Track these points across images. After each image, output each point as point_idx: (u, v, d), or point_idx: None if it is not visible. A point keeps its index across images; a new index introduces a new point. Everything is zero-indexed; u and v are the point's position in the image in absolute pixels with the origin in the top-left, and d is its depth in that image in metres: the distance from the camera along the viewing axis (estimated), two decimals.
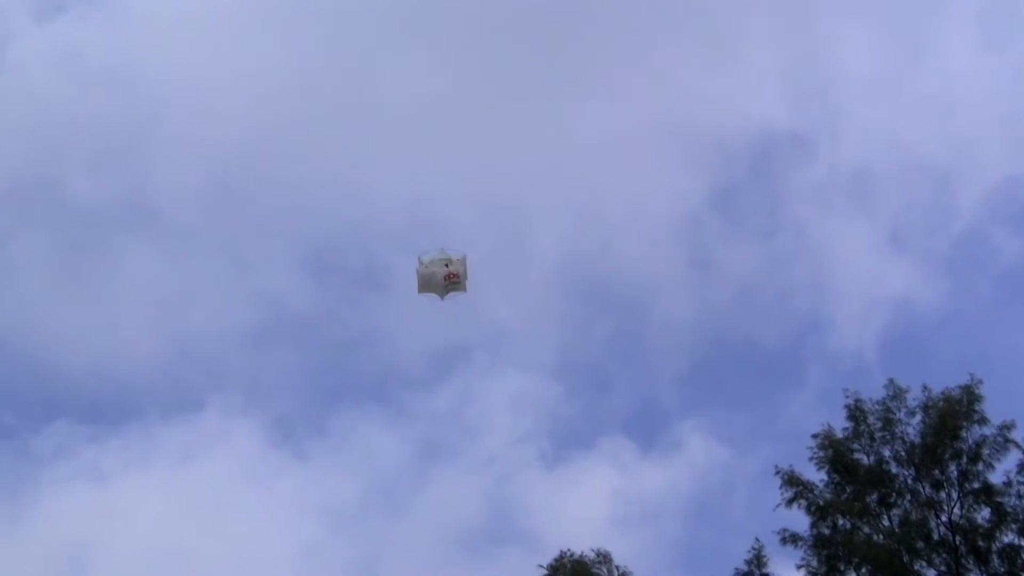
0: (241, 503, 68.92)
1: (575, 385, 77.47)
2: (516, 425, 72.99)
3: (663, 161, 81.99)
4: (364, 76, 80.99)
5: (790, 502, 39.30)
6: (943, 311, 75.92)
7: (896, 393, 40.03)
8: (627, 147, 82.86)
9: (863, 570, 37.58)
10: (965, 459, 38.50)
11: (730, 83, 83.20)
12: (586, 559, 41.05)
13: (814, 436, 40.15)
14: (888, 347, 71.43)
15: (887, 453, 39.53)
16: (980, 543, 37.45)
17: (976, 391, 39.02)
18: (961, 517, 38.07)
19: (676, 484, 68.19)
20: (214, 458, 70.60)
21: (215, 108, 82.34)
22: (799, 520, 39.09)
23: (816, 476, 39.67)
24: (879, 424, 39.77)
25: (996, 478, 38.15)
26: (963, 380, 39.35)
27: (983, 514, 38.04)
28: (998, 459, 38.26)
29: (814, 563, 38.25)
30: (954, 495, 38.35)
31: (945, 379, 39.88)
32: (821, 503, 39.01)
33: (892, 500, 38.88)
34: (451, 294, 35.20)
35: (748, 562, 39.11)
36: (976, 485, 38.24)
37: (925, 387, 39.90)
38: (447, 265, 34.64)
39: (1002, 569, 37.16)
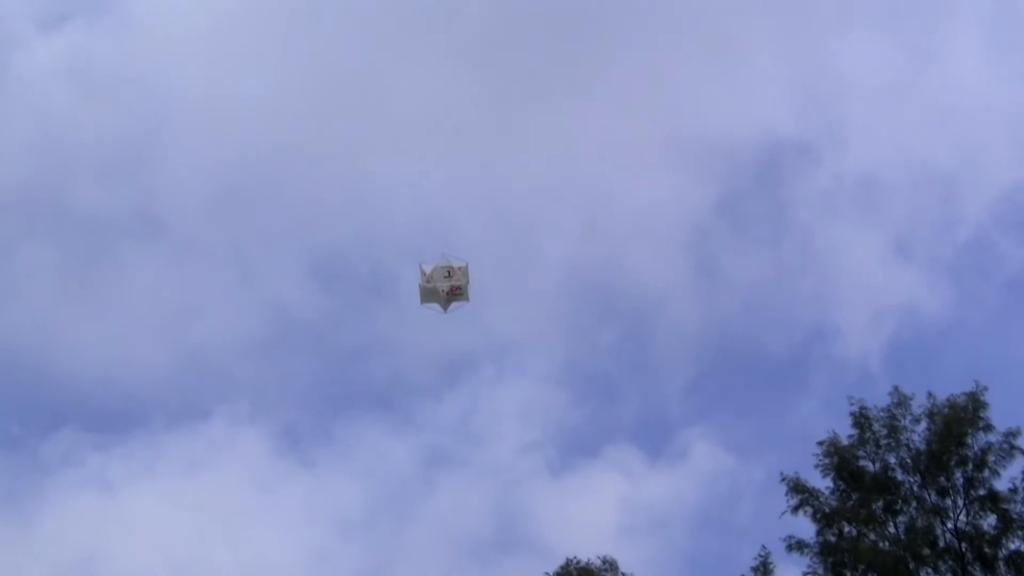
0: (248, 511, 69.00)
1: (582, 393, 77.43)
2: (523, 433, 73.00)
3: (670, 169, 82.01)
4: (371, 86, 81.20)
5: (796, 509, 39.39)
6: (949, 319, 75.80)
7: (901, 400, 40.11)
8: (633, 155, 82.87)
9: None
10: (971, 466, 38.53)
11: (736, 91, 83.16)
12: (592, 566, 41.09)
13: (819, 443, 40.26)
14: (894, 355, 71.36)
15: (893, 460, 39.58)
16: (986, 550, 37.46)
17: (981, 398, 39.11)
18: (967, 524, 38.09)
19: (683, 492, 68.18)
20: (221, 466, 70.69)
21: (221, 117, 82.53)
22: (805, 527, 39.22)
23: (822, 483, 39.81)
24: (884, 431, 39.84)
25: (1002, 485, 38.26)
26: (969, 387, 39.54)
27: (989, 521, 38.08)
28: (1004, 466, 38.35)
29: (820, 570, 38.29)
30: (960, 502, 38.40)
31: (951, 387, 40.02)
32: (827, 510, 39.04)
33: (898, 507, 38.90)
34: (454, 305, 35.32)
35: (754, 569, 39.10)
36: (982, 492, 38.28)
37: (930, 394, 40.04)
38: (448, 275, 34.69)
39: None
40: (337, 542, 67.70)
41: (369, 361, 77.56)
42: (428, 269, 35.06)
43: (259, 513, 68.76)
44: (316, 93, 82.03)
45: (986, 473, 38.37)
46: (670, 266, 79.42)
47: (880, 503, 38.96)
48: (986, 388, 39.30)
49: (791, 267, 78.97)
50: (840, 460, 39.60)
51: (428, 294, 35.00)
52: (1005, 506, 37.81)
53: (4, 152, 78.10)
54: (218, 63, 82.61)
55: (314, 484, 71.68)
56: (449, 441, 73.97)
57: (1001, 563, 37.29)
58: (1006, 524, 37.63)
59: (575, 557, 41.41)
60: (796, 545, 38.78)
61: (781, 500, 39.65)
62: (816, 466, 39.86)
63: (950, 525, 38.21)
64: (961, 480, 38.54)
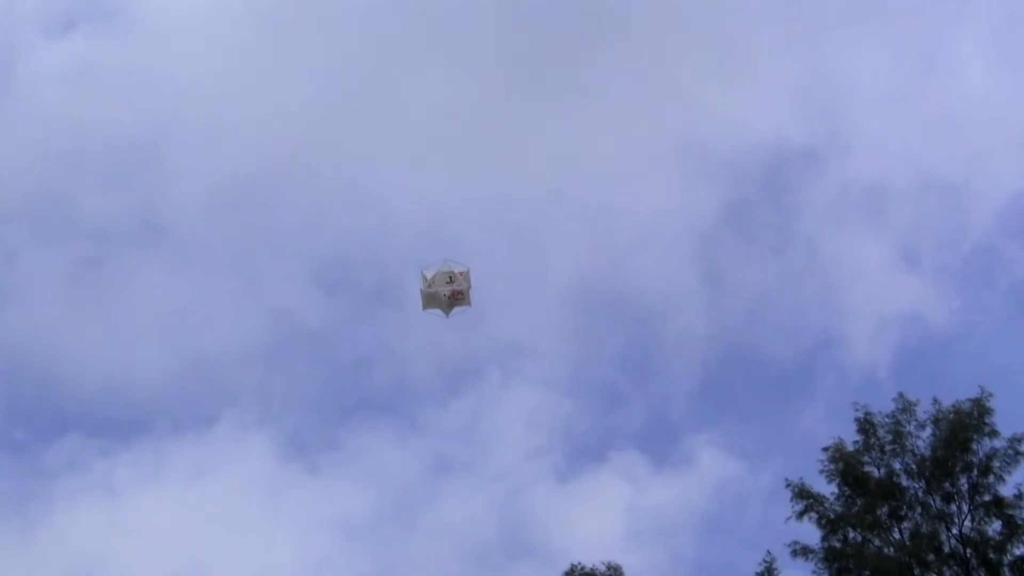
0: (254, 517, 69.00)
1: (588, 400, 77.45)
2: (529, 440, 72.94)
3: (675, 177, 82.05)
4: (377, 93, 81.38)
5: (801, 515, 39.43)
6: (955, 327, 75.72)
7: (906, 406, 40.16)
8: (639, 163, 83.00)
9: None
10: (976, 472, 38.55)
11: (742, 99, 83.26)
12: (597, 572, 41.15)
13: (825, 449, 40.33)
14: (900, 363, 71.29)
15: (898, 466, 39.62)
16: (991, 556, 37.44)
17: (987, 404, 39.13)
18: (972, 530, 38.09)
19: (688, 498, 68.08)
20: (227, 472, 70.65)
21: (226, 124, 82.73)
22: (810, 533, 39.26)
23: (827, 489, 39.89)
24: (889, 437, 39.88)
25: (1007, 491, 38.30)
26: (974, 394, 39.52)
27: (994, 527, 38.08)
28: (1009, 472, 38.37)
29: None
30: (965, 508, 38.39)
31: (957, 394, 40.04)
32: (832, 516, 39.09)
33: (903, 513, 38.91)
34: (456, 309, 35.43)
35: (759, 575, 39.14)
36: (987, 498, 38.27)
37: (935, 400, 40.11)
38: (450, 280, 34.80)
39: None
40: (343, 548, 67.70)
41: (375, 367, 77.67)
42: (430, 275, 35.19)
43: (265, 519, 68.80)
44: (321, 100, 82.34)
45: (991, 479, 38.38)
46: (676, 273, 79.50)
47: (885, 509, 38.97)
48: (991, 394, 39.39)
49: (797, 274, 79.01)
50: (845, 466, 39.63)
51: (430, 299, 35.11)
52: (1010, 512, 37.80)
53: (9, 158, 78.34)
54: (223, 70, 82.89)
55: (320, 490, 71.67)
56: (455, 447, 73.96)
57: (1006, 569, 37.26)
58: (1011, 530, 37.61)
59: (580, 563, 41.49)
60: (801, 551, 38.83)
61: (786, 506, 39.79)
62: (821, 472, 40.03)
63: (955, 531, 38.21)
64: (966, 486, 38.54)
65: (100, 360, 76.13)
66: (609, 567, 41.31)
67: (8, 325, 74.86)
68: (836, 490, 39.68)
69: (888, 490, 39.06)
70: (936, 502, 38.73)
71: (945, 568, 37.57)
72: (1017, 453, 38.38)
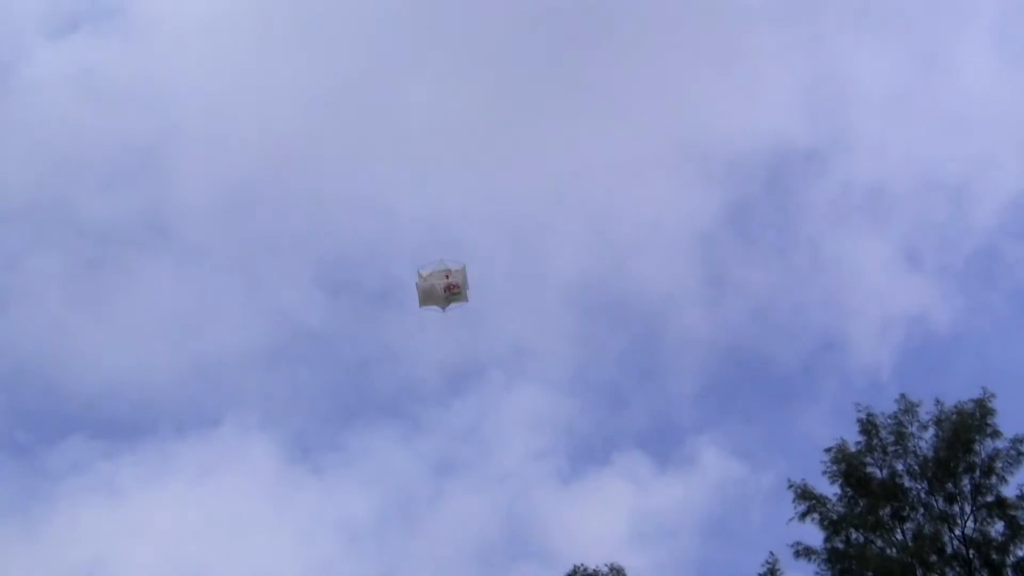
0: (257, 519, 69.13)
1: (591, 401, 77.67)
2: (532, 441, 73.13)
3: (678, 178, 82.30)
4: (380, 95, 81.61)
5: (803, 516, 39.45)
6: (958, 327, 75.85)
7: (908, 407, 40.14)
8: (642, 164, 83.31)
9: None
10: (978, 472, 38.54)
11: (744, 100, 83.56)
12: (600, 574, 41.15)
13: (827, 450, 40.32)
14: (903, 363, 71.43)
15: (900, 467, 39.63)
16: (994, 556, 37.45)
17: (989, 405, 39.11)
18: (974, 530, 38.09)
19: (691, 499, 68.22)
20: (230, 474, 70.80)
21: (229, 126, 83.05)
22: (813, 534, 39.29)
23: (829, 490, 39.90)
24: (892, 438, 39.87)
25: (1009, 491, 38.28)
26: (976, 395, 39.51)
27: (997, 527, 38.09)
28: (1011, 472, 38.35)
29: None
30: (967, 508, 38.38)
31: (960, 395, 40.06)
32: (834, 517, 39.10)
33: (905, 514, 38.91)
34: (452, 305, 35.62)
35: None
36: (989, 498, 38.27)
37: (938, 401, 40.11)
38: (447, 276, 35.04)
39: None
40: (346, 549, 67.82)
41: (378, 369, 77.87)
42: (426, 272, 35.49)
43: (268, 521, 68.92)
44: (323, 103, 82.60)
45: (994, 480, 38.37)
46: (679, 274, 79.71)
47: (887, 510, 38.96)
48: (994, 395, 39.37)
49: (799, 275, 79.16)
50: (848, 467, 39.64)
51: (426, 295, 35.35)
52: (1013, 512, 37.79)
53: (12, 161, 78.58)
54: (225, 72, 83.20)
55: (323, 492, 71.84)
56: (458, 449, 74.12)
57: (1009, 570, 37.25)
58: (1014, 531, 37.61)
59: (583, 564, 41.50)
60: (804, 552, 38.85)
61: (789, 507, 39.79)
62: (824, 473, 40.03)
63: (957, 532, 38.20)
64: (969, 487, 38.53)
65: (103, 362, 76.37)
66: (612, 568, 41.30)
67: (12, 327, 75.13)
68: (839, 491, 39.72)
69: (890, 491, 39.06)
70: (938, 503, 38.73)
71: (948, 569, 37.57)
72: (1019, 454, 38.36)
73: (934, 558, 37.72)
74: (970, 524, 38.18)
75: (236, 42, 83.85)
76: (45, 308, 76.41)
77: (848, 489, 39.58)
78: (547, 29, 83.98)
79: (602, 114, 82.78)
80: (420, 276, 35.44)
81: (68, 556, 62.56)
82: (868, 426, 40.16)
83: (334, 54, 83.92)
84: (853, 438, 40.29)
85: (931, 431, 39.68)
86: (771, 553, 39.43)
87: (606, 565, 41.43)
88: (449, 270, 35.25)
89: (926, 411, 40.00)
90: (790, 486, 39.98)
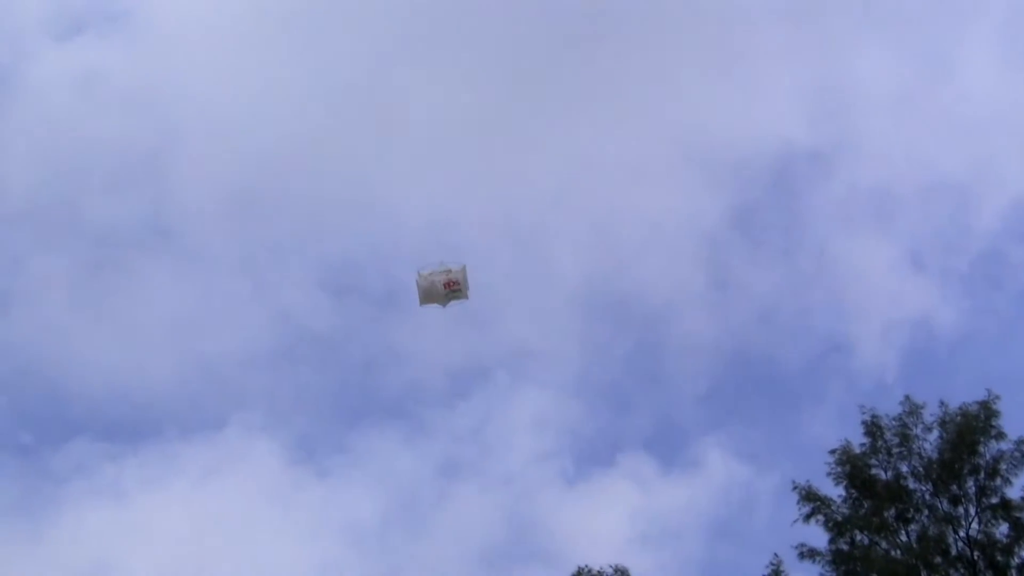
0: (262, 520, 69.23)
1: (595, 403, 77.77)
2: (537, 443, 73.22)
3: (682, 180, 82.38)
4: (383, 97, 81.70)
5: (808, 517, 39.44)
6: (962, 329, 75.89)
7: (913, 409, 40.15)
8: (646, 167, 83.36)
9: None
10: (983, 474, 38.56)
11: (749, 102, 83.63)
12: (604, 575, 41.17)
13: (832, 452, 40.33)
14: (907, 365, 71.46)
15: (904, 468, 39.63)
16: (998, 558, 37.47)
17: (993, 407, 39.12)
18: (979, 532, 38.13)
19: (696, 501, 68.27)
20: (235, 476, 70.95)
21: (233, 128, 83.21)
22: (817, 535, 39.30)
23: (834, 492, 39.90)
24: (896, 440, 39.88)
25: (1014, 493, 38.34)
26: (981, 397, 39.54)
27: (1001, 529, 38.13)
28: (1016, 474, 38.41)
29: None
30: (972, 510, 38.41)
31: (965, 397, 40.09)
32: (839, 518, 39.11)
33: (910, 515, 38.94)
34: (452, 302, 35.81)
35: None
36: (994, 500, 38.32)
37: (942, 403, 40.11)
38: (448, 273, 35.28)
39: None
40: (351, 550, 67.91)
41: (382, 371, 77.93)
42: (426, 272, 35.73)
43: (273, 522, 69.01)
44: (327, 105, 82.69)
45: (998, 481, 38.40)
46: (684, 276, 79.78)
47: (892, 511, 38.98)
48: (998, 397, 39.39)
49: (805, 278, 79.22)
50: (852, 468, 39.66)
51: (427, 293, 35.57)
52: (1017, 514, 37.84)
53: (17, 162, 78.75)
54: (229, 75, 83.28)
55: (327, 493, 71.95)
56: (463, 450, 74.20)
57: (1014, 571, 37.29)
58: (1019, 532, 37.65)
59: (587, 566, 41.50)
60: (808, 553, 38.85)
61: (794, 508, 39.81)
62: (828, 474, 40.02)
63: (962, 533, 38.23)
64: (973, 488, 38.55)
65: (108, 364, 76.52)
66: (616, 570, 41.32)
67: (16, 329, 75.29)
68: (843, 493, 39.74)
69: (895, 493, 39.08)
70: (943, 505, 38.75)
71: (952, 571, 37.59)
72: None
73: (939, 560, 37.75)
74: (975, 526, 38.25)
75: (239, 45, 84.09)
76: (49, 310, 76.61)
77: (853, 491, 39.60)
78: (550, 31, 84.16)
79: (606, 116, 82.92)
80: (420, 275, 35.69)
81: (73, 558, 62.76)
82: (873, 428, 40.17)
83: (337, 58, 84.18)
84: (858, 440, 40.42)
85: (935, 433, 39.73)
86: (775, 555, 39.50)
87: (610, 567, 41.49)
88: (450, 270, 35.49)
89: (930, 413, 40.13)
90: (795, 488, 40.05)
